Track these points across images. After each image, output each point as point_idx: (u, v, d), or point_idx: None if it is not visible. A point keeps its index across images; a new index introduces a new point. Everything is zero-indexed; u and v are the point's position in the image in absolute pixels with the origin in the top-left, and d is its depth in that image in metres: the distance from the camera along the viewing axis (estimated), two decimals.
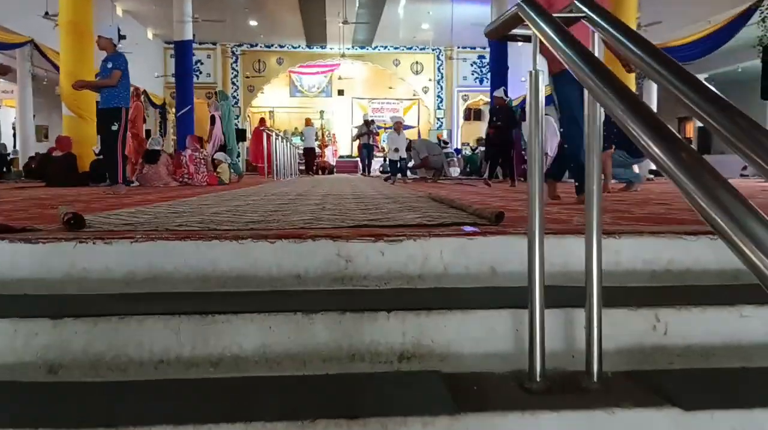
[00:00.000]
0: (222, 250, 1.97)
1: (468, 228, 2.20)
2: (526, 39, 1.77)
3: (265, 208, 3.53)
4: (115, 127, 6.29)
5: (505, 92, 10.88)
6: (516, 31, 1.70)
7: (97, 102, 6.67)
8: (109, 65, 6.33)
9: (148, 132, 21.67)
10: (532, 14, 1.53)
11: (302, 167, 21.60)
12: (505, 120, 9.79)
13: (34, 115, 19.34)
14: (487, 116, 26.83)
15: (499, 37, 1.83)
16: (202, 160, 9.60)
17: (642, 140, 1.07)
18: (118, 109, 6.28)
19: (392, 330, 1.71)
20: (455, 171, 14.70)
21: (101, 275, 1.94)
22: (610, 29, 1.42)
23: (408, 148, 12.42)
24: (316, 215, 2.95)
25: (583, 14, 1.53)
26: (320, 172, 22.51)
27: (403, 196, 4.97)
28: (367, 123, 18.33)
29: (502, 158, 9.98)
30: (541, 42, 1.54)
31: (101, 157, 9.65)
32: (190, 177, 9.48)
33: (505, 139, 9.80)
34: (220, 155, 10.38)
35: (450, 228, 2.19)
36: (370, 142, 18.39)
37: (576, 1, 1.58)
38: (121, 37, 6.47)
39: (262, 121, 20.96)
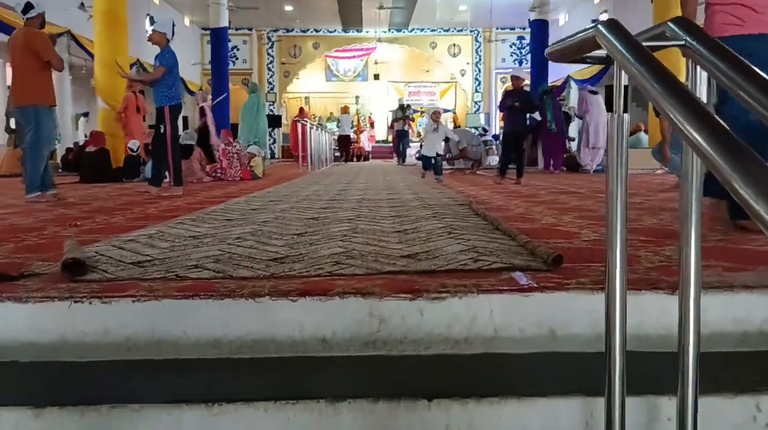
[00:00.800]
0: (236, 310, 1.70)
1: (521, 277, 1.88)
2: (602, 61, 1.44)
3: (292, 228, 3.27)
4: (162, 129, 6.13)
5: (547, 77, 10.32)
6: (593, 53, 1.37)
7: None
8: (156, 63, 6.18)
9: (186, 120, 21.70)
10: (613, 40, 1.20)
11: (338, 154, 21.36)
12: (522, 105, 8.16)
13: (86, 113, 19.41)
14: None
15: (568, 61, 1.50)
16: (236, 155, 9.40)
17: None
18: (161, 108, 6.10)
19: (434, 422, 1.42)
20: (494, 159, 14.15)
21: (99, 338, 1.69)
22: (723, 66, 1.08)
23: (446, 139, 11.88)
24: (347, 243, 2.66)
25: (681, 42, 1.19)
26: (355, 159, 22.22)
27: (441, 203, 4.65)
28: (403, 108, 17.52)
29: (515, 150, 8.14)
30: None
31: (135, 154, 9.59)
32: (223, 172, 9.30)
33: (520, 127, 8.30)
34: (253, 149, 10.17)
35: (500, 280, 1.88)
36: (405, 128, 17.63)
37: (671, 23, 1.24)
38: (173, 34, 6.29)
39: (301, 110, 20.73)
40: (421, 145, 13.65)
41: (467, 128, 19.59)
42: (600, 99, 11.06)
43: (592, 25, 1.30)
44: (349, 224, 3.37)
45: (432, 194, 5.55)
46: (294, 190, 6.45)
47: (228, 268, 2.11)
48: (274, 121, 23.98)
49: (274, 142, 26.18)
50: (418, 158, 16.65)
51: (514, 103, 8.07)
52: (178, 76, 6.23)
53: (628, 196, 1.30)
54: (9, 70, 7.89)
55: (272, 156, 25.46)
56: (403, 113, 17.18)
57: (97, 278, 1.97)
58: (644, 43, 1.19)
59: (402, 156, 17.16)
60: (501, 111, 8.79)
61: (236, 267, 2.13)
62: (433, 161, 8.71)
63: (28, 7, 5.81)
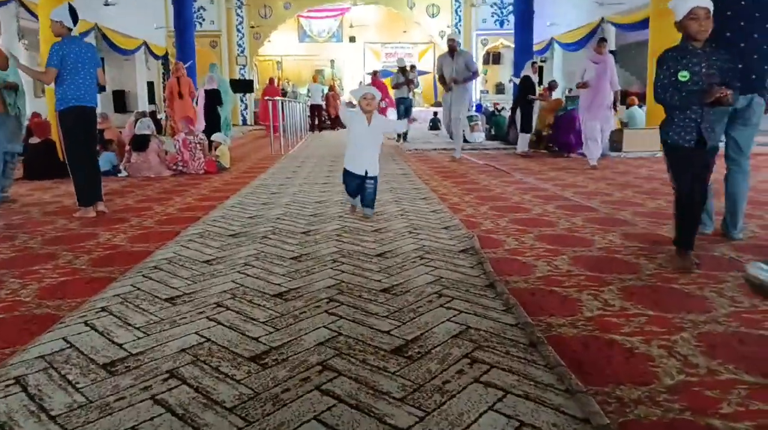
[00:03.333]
0: None
1: None
2: None
3: (254, 328, 2.42)
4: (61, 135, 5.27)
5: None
6: None
7: None
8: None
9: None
10: None
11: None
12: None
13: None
14: (506, 60, 25.03)
15: None
16: (198, 145, 8.41)
17: None
18: (60, 112, 5.18)
19: None
20: (479, 136, 13.12)
21: None
22: None
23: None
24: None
25: None
26: (332, 126, 21.14)
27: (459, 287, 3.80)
28: (404, 70, 14.12)
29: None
30: None
31: None
32: (185, 165, 8.32)
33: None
34: (218, 136, 9.17)
35: None
36: (408, 96, 14.07)
37: None
38: (75, 19, 5.15)
39: (271, 81, 19.55)
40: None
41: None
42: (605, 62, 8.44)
43: None
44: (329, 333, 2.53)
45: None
46: (262, 208, 5.56)
47: None
48: (245, 86, 22.76)
49: (246, 108, 24.99)
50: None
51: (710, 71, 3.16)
52: (75, 72, 5.08)
53: None
54: None
55: (244, 122, 24.26)
56: (404, 77, 13.86)
57: None
58: None
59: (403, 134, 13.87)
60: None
61: None
62: (362, 184, 4.86)
63: None
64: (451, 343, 2.22)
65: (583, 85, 8.31)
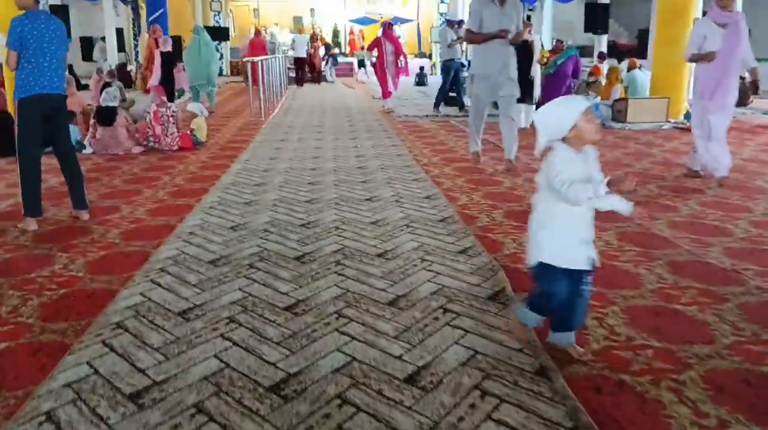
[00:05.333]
0: None
1: None
2: None
3: None
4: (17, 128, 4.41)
5: None
6: None
7: None
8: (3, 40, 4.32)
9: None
10: None
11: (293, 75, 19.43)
12: None
13: None
14: None
15: None
16: (171, 117, 7.61)
17: None
18: (19, 101, 4.37)
19: None
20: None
21: None
22: None
23: None
24: None
25: None
26: (314, 78, 20.30)
27: None
28: (452, 24, 11.74)
29: None
30: None
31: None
32: (157, 140, 7.54)
33: None
34: (194, 107, 8.35)
35: None
36: (456, 59, 11.33)
37: None
38: None
39: (257, 33, 18.34)
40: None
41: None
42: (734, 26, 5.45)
43: None
44: None
45: None
46: (246, 212, 4.90)
47: None
48: (220, 33, 21.52)
49: (221, 57, 23.76)
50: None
51: None
52: (40, 53, 4.25)
53: None
54: None
55: (220, 74, 23.09)
56: (456, 33, 11.04)
57: None
58: None
59: (460, 102, 11.43)
60: None
61: None
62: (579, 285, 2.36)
63: None
64: None
65: (706, 56, 5.41)
